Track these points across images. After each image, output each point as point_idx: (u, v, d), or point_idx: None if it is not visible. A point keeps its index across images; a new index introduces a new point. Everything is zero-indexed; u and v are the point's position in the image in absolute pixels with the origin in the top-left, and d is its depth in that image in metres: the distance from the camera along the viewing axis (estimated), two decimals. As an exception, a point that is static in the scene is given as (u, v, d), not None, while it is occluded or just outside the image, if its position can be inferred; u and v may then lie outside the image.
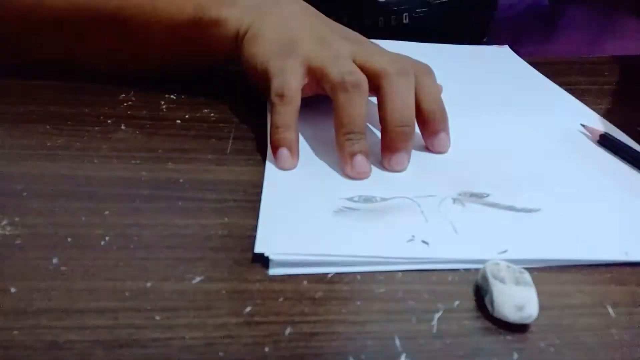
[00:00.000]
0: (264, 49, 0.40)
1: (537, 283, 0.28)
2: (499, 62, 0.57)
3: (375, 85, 0.37)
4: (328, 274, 0.29)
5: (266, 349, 0.25)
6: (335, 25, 0.43)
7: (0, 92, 0.44)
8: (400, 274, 0.29)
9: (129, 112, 0.42)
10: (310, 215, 0.32)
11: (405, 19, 0.59)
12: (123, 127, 0.40)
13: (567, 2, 0.62)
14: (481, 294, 0.28)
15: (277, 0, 0.43)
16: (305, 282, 0.29)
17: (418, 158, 0.38)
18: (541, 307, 0.27)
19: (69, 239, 0.30)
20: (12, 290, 0.27)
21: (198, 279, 0.28)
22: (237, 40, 0.42)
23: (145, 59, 0.45)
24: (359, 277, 0.29)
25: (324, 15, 0.43)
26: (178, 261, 0.29)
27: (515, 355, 0.26)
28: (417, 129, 0.38)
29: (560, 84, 0.52)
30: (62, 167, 0.35)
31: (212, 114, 0.42)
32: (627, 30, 0.67)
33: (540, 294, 0.28)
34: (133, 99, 0.43)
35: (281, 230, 0.31)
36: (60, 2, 0.43)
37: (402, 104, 0.36)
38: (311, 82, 0.39)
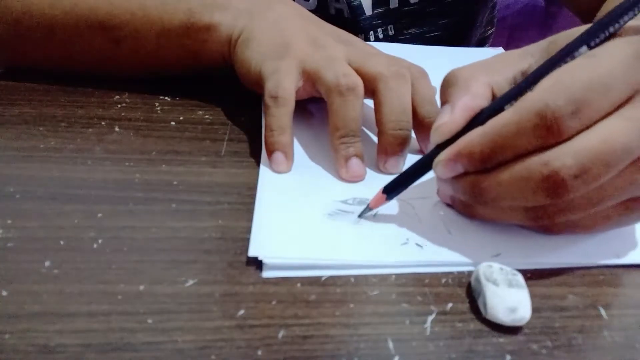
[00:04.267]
0: (258, 52, 0.39)
1: (529, 285, 0.28)
2: None
3: (371, 88, 0.37)
4: (321, 276, 0.29)
5: (259, 352, 0.25)
6: (329, 27, 0.42)
7: (-6, 94, 0.44)
8: (393, 276, 0.29)
9: (122, 114, 0.42)
10: (305, 218, 0.32)
11: (391, 30, 0.59)
12: (117, 129, 0.40)
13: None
14: (474, 296, 0.28)
15: (269, 3, 0.42)
16: (298, 285, 0.28)
17: (412, 160, 0.38)
18: (534, 310, 0.27)
19: (62, 242, 0.30)
20: (4, 293, 0.27)
21: (191, 282, 0.28)
22: (230, 45, 0.42)
23: (137, 65, 0.44)
24: (352, 279, 0.29)
25: (316, 17, 0.43)
26: (171, 264, 0.29)
27: (508, 358, 0.26)
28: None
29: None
30: (55, 169, 0.35)
31: (206, 116, 0.42)
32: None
33: (532, 296, 0.28)
34: (127, 100, 0.43)
35: (275, 233, 0.31)
36: (50, 9, 0.43)
37: (399, 107, 0.36)
38: (306, 85, 0.38)
